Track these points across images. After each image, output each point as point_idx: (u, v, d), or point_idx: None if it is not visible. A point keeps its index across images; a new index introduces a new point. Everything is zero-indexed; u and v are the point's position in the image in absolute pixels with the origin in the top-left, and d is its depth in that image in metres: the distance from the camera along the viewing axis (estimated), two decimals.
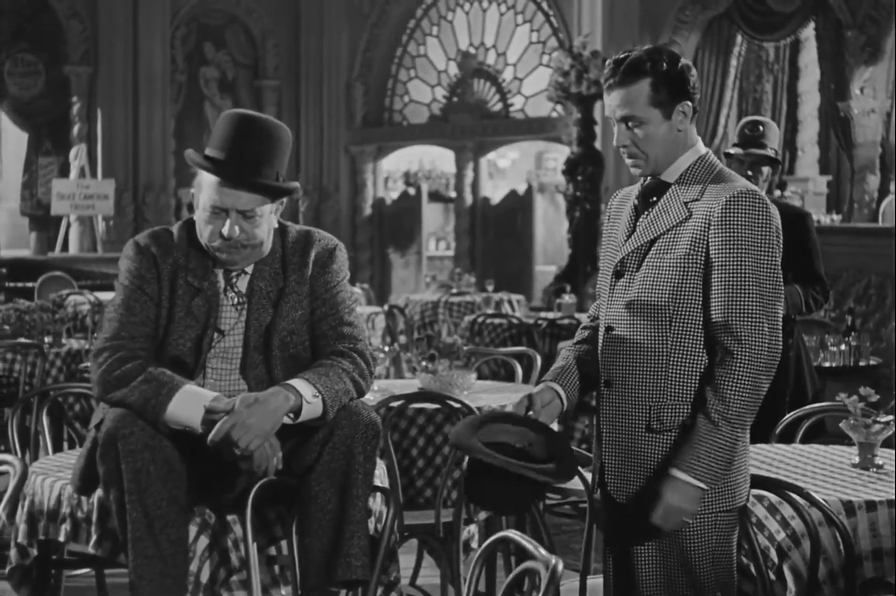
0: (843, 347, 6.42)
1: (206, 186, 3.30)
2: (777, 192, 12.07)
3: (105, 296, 10.91)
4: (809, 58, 14.13)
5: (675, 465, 2.87)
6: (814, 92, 14.17)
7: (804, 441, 4.24)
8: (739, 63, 14.22)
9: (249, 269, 3.40)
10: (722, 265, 2.87)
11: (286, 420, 3.23)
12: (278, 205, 3.39)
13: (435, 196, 18.91)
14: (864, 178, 12.54)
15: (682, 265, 2.90)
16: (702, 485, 2.84)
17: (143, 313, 3.33)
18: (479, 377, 5.85)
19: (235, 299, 3.39)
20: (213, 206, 3.27)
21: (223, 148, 3.29)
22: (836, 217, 11.91)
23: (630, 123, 2.96)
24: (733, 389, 2.85)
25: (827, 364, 6.41)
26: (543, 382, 3.07)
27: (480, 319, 9.26)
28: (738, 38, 14.05)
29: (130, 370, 3.24)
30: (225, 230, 3.27)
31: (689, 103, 2.96)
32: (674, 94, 2.94)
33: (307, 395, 3.24)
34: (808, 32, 13.63)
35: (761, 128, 5.21)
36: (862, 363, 6.48)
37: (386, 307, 11.45)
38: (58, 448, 5.63)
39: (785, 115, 14.42)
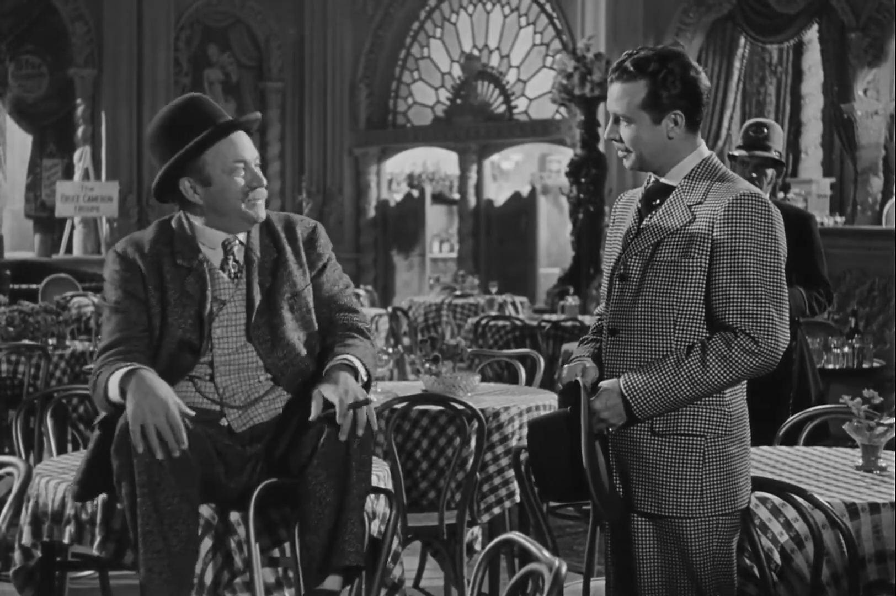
0: (846, 349, 6.43)
1: (219, 155, 3.43)
2: (781, 195, 12.07)
3: None
4: (813, 60, 14.11)
5: (625, 375, 2.94)
6: (817, 94, 14.15)
7: (807, 443, 4.24)
8: (743, 65, 14.22)
9: (243, 237, 3.51)
10: (726, 267, 2.88)
11: None
12: None
13: (438, 198, 18.90)
14: (868, 180, 12.53)
15: (686, 268, 2.91)
16: (631, 409, 2.92)
17: (131, 315, 3.44)
18: (483, 379, 5.85)
19: (235, 268, 3.49)
20: (237, 161, 3.43)
21: (191, 131, 3.41)
22: (840, 219, 11.88)
23: (620, 120, 2.98)
24: (720, 367, 2.88)
25: (830, 366, 6.41)
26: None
27: (484, 321, 9.26)
28: (742, 41, 14.05)
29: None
30: (257, 180, 3.45)
31: (682, 114, 2.96)
32: (670, 101, 2.94)
33: (362, 372, 3.45)
34: (812, 34, 13.61)
35: (765, 130, 5.21)
36: (865, 365, 6.49)
37: (389, 309, 11.45)
38: (62, 450, 5.64)
39: (788, 117, 14.40)
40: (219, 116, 3.47)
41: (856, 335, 6.52)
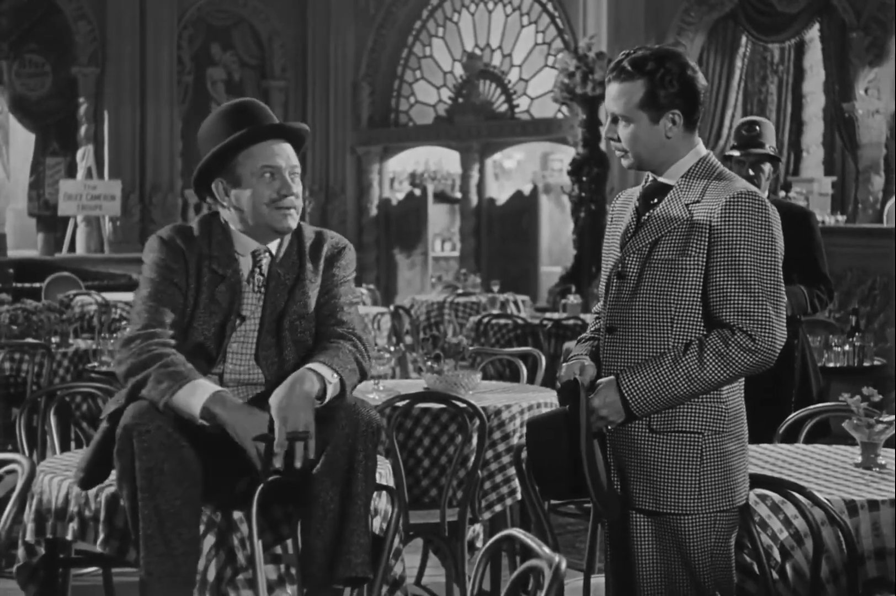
0: (847, 347, 6.42)
1: (250, 157, 3.42)
2: (782, 193, 12.08)
3: (112, 296, 10.96)
4: (814, 59, 14.12)
5: (623, 372, 2.95)
6: (818, 93, 14.16)
7: (808, 441, 4.25)
8: (744, 64, 14.23)
9: (273, 248, 3.50)
10: (723, 265, 2.89)
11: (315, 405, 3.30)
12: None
13: (440, 197, 18.92)
14: (869, 179, 12.54)
15: (684, 266, 2.92)
16: (629, 406, 2.93)
17: (171, 303, 3.41)
18: (485, 377, 5.86)
19: (260, 281, 3.48)
20: (266, 166, 3.41)
21: (234, 129, 3.42)
22: (841, 218, 11.91)
23: (618, 119, 3.00)
24: (717, 364, 2.89)
25: (831, 364, 6.41)
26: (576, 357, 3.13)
27: (486, 320, 9.27)
28: (743, 40, 14.06)
29: (156, 356, 3.30)
30: (286, 188, 3.42)
31: (680, 113, 2.97)
32: (668, 101, 2.95)
33: (327, 375, 3.33)
34: (813, 33, 13.62)
35: (757, 127, 5.25)
36: (866, 363, 6.49)
37: (391, 308, 11.46)
38: (65, 448, 5.65)
39: (790, 116, 14.42)
40: (263, 121, 3.45)
41: (857, 333, 6.52)
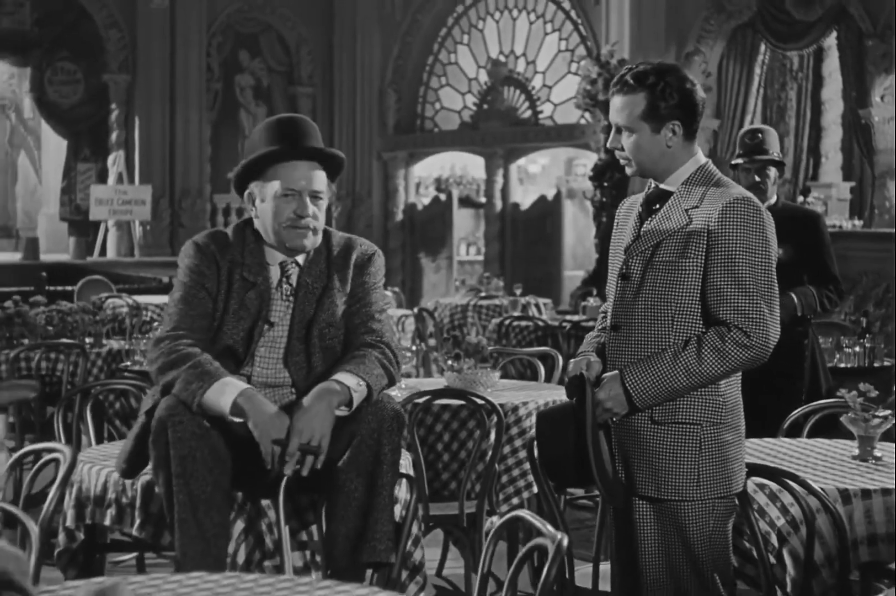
0: (857, 348, 6.51)
1: (277, 175, 3.55)
2: (800, 199, 12.16)
3: (143, 299, 11.12)
4: (833, 66, 14.14)
5: (626, 367, 3.11)
6: (837, 99, 14.19)
7: (813, 436, 4.38)
8: (763, 71, 14.26)
9: (301, 259, 3.63)
10: (720, 267, 3.05)
11: (341, 412, 3.45)
12: (329, 190, 3.68)
13: (465, 202, 18.99)
14: (885, 185, 12.54)
15: (684, 268, 3.08)
16: (632, 398, 3.08)
17: (201, 307, 3.56)
18: (506, 377, 5.97)
19: (288, 291, 3.62)
20: (288, 189, 3.54)
21: (273, 142, 3.56)
22: (858, 222, 11.93)
23: (621, 130, 3.17)
24: (714, 359, 3.05)
25: (842, 365, 6.49)
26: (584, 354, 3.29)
27: (507, 322, 9.39)
28: (762, 47, 14.10)
29: (185, 356, 3.46)
30: (302, 209, 3.53)
31: (679, 123, 3.13)
32: (668, 112, 3.12)
33: (353, 384, 3.48)
34: (831, 41, 13.66)
35: (760, 135, 5.34)
36: (876, 364, 6.57)
37: (416, 310, 11.58)
38: (99, 443, 5.82)
39: (809, 123, 14.45)
40: (300, 140, 3.56)
41: (867, 335, 6.60)
